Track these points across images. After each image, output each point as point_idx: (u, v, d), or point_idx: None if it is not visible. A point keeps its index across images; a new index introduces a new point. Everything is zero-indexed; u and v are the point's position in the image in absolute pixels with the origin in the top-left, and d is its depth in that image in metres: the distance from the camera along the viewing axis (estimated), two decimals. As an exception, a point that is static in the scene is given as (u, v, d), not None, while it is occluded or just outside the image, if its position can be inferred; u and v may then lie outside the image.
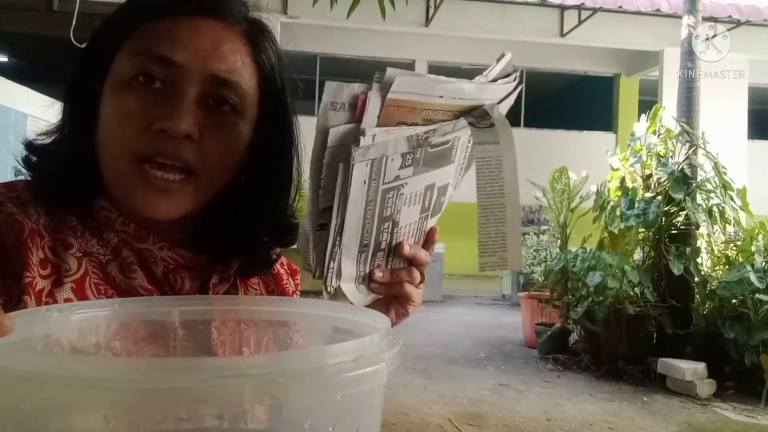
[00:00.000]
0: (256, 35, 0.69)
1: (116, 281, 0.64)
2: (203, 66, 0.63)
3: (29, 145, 0.67)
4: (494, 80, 0.63)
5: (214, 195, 0.68)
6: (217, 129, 0.64)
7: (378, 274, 0.68)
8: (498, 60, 0.64)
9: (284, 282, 0.80)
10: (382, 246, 0.67)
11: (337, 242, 0.61)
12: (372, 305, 0.72)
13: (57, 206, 0.64)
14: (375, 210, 0.63)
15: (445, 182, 0.68)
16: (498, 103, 0.64)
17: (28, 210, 0.63)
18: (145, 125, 0.61)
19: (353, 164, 0.57)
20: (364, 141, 0.56)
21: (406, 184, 0.63)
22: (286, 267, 0.83)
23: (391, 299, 0.72)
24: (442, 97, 0.58)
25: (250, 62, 0.68)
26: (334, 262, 0.63)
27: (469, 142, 0.67)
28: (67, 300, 0.60)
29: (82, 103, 0.66)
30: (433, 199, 0.68)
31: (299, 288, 0.84)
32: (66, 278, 0.61)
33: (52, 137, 0.69)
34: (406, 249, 0.68)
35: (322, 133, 0.56)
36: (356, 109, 0.55)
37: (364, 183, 0.59)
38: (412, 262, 0.70)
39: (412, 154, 0.61)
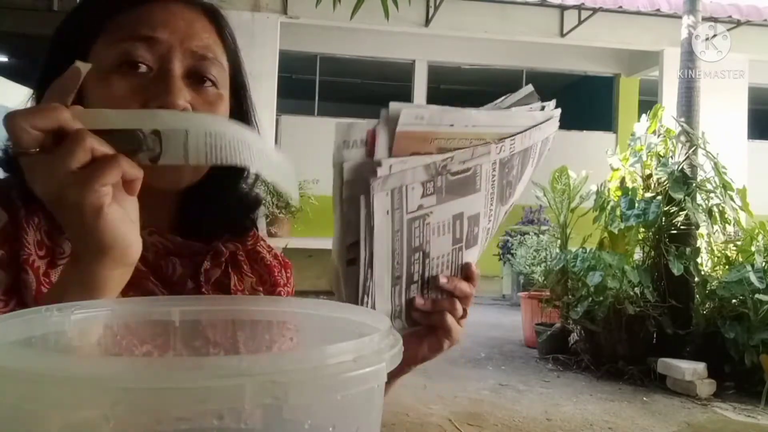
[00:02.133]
0: (217, 16, 0.73)
1: None
2: (183, 43, 0.66)
3: (6, 152, 0.69)
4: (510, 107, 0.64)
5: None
6: (207, 104, 0.67)
7: (419, 301, 0.66)
8: (518, 91, 0.66)
9: (276, 273, 0.81)
10: (415, 278, 0.66)
11: (368, 275, 0.62)
12: (405, 339, 0.70)
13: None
14: (402, 240, 0.62)
15: (475, 212, 0.67)
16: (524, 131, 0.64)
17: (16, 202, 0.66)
18: (141, 105, 0.63)
19: (373, 195, 0.58)
20: (381, 171, 0.58)
21: (431, 213, 0.63)
22: (280, 259, 0.84)
23: (427, 332, 0.70)
24: (452, 125, 0.59)
25: (219, 40, 0.71)
26: (368, 297, 0.63)
27: (493, 170, 0.66)
28: None
29: None
30: (465, 230, 0.67)
31: (291, 281, 0.85)
32: (59, 260, 0.63)
33: None
34: (443, 280, 0.67)
35: (338, 168, 0.58)
36: (368, 144, 0.57)
37: (387, 213, 0.60)
38: (453, 294, 0.68)
39: (432, 183, 0.61)
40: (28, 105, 0.72)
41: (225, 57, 0.72)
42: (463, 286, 0.68)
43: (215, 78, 0.69)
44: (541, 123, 0.66)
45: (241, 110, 0.77)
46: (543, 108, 0.66)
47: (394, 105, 0.56)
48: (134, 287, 0.65)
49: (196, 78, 0.68)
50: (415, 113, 0.57)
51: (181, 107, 0.64)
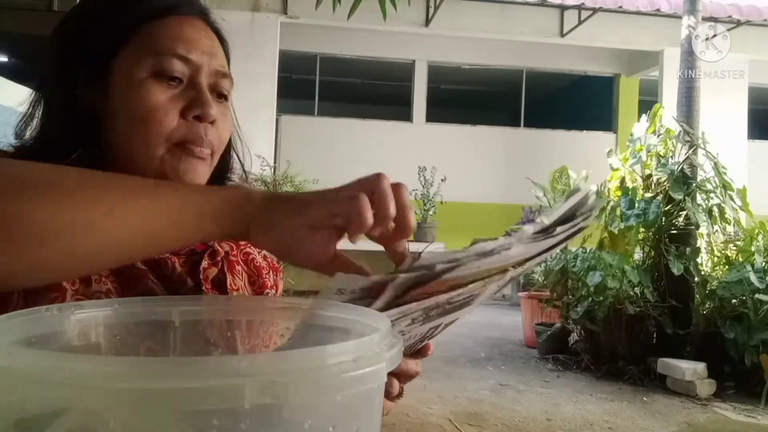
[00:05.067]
0: (217, 28, 0.77)
1: None
2: (209, 63, 0.72)
3: (22, 148, 0.70)
4: (554, 224, 0.54)
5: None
6: (223, 115, 0.74)
7: None
8: (569, 196, 0.57)
9: (264, 275, 0.82)
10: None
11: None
12: None
13: None
14: None
15: (458, 318, 0.60)
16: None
17: None
18: (180, 114, 0.69)
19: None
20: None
21: (403, 333, 0.55)
22: (269, 260, 0.85)
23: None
24: (480, 266, 0.50)
25: (224, 54, 0.76)
26: None
27: (498, 286, 0.56)
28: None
29: (67, 97, 0.70)
30: (438, 330, 0.63)
31: (279, 285, 0.86)
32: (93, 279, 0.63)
33: (34, 132, 0.71)
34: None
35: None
36: (371, 293, 0.50)
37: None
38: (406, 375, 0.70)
39: (423, 317, 0.54)
40: (27, 107, 0.74)
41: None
42: (416, 367, 0.70)
43: (227, 92, 0.75)
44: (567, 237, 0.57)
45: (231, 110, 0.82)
46: (585, 217, 0.58)
47: (428, 261, 0.49)
48: (134, 285, 0.65)
49: (216, 94, 0.74)
50: (454, 274, 0.49)
51: (213, 118, 0.70)
